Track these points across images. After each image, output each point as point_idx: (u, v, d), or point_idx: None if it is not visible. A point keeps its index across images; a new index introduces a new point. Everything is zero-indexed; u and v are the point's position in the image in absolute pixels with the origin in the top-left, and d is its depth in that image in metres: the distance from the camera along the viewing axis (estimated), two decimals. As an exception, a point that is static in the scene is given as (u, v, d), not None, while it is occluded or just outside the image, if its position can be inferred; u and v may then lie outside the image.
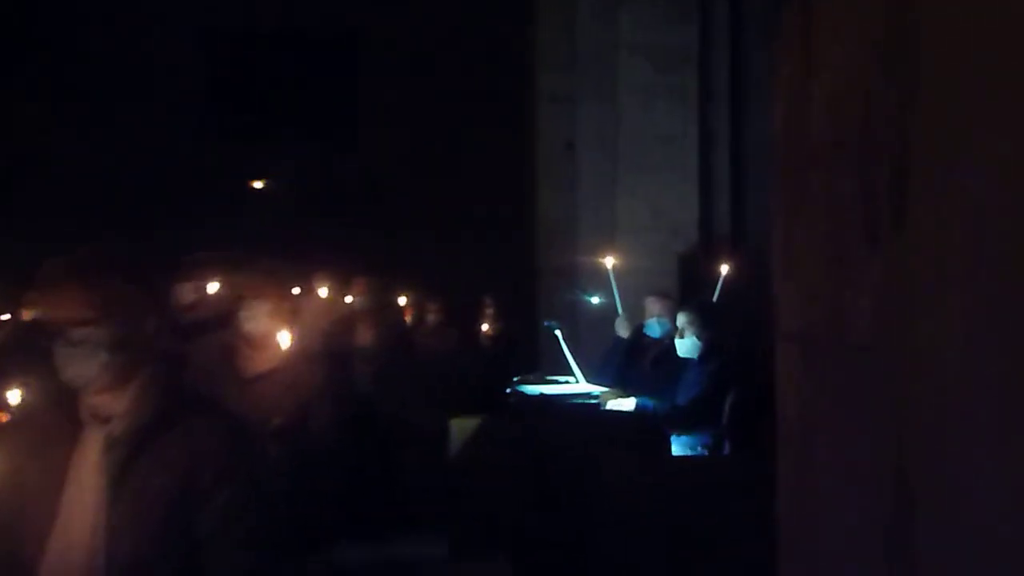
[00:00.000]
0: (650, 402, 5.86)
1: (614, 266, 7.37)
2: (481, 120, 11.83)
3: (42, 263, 2.56)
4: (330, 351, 6.45)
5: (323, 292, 7.66)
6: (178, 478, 2.45)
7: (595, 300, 7.68)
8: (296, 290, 7.28)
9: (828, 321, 1.42)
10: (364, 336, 7.29)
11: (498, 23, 11.37)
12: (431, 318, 8.92)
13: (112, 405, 2.46)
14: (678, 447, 5.68)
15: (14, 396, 2.98)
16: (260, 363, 4.46)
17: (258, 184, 12.93)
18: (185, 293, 5.32)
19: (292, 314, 5.14)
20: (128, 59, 11.77)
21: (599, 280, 7.74)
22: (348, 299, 7.72)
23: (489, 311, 9.23)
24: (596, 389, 6.20)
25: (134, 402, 2.47)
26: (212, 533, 2.47)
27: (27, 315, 5.17)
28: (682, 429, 5.71)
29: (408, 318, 8.94)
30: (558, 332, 6.98)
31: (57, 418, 2.49)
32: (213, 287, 5.36)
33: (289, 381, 4.47)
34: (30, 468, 2.41)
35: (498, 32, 11.37)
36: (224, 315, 5.06)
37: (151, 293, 2.63)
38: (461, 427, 6.30)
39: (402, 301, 8.88)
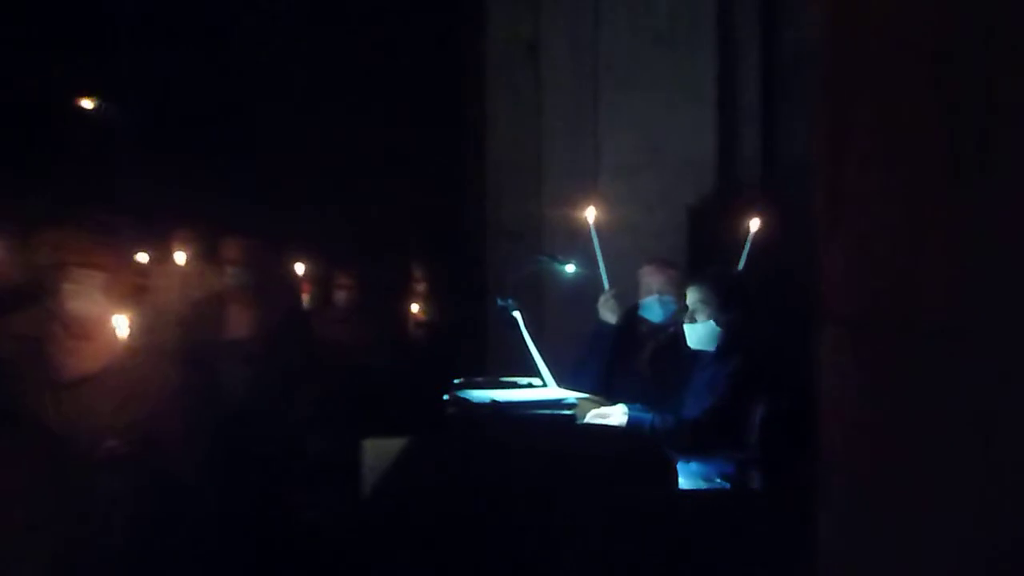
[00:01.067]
0: (647, 414, 5.84)
1: (596, 222, 7.33)
2: (405, 16, 11.74)
3: None
4: (189, 345, 6.42)
5: (180, 260, 7.58)
6: None
7: (569, 270, 7.63)
8: (142, 257, 7.22)
9: (895, 296, 1.39)
10: (239, 324, 7.23)
11: None
12: (338, 298, 8.87)
13: None
14: (687, 478, 5.67)
15: None
16: (86, 360, 4.40)
17: (86, 103, 12.78)
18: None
19: (135, 291, 5.08)
20: None
21: (575, 242, 7.69)
22: (217, 271, 7.65)
23: (420, 287, 9.19)
24: (571, 395, 6.15)
25: None
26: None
27: None
28: (693, 452, 5.70)
29: (305, 298, 8.89)
30: (517, 315, 6.93)
31: None
32: (16, 251, 5.28)
33: (128, 387, 4.42)
34: None
35: None
36: (33, 289, 4.95)
37: None
38: (378, 452, 6.26)
39: (297, 272, 8.83)
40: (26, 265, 5.37)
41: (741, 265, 6.95)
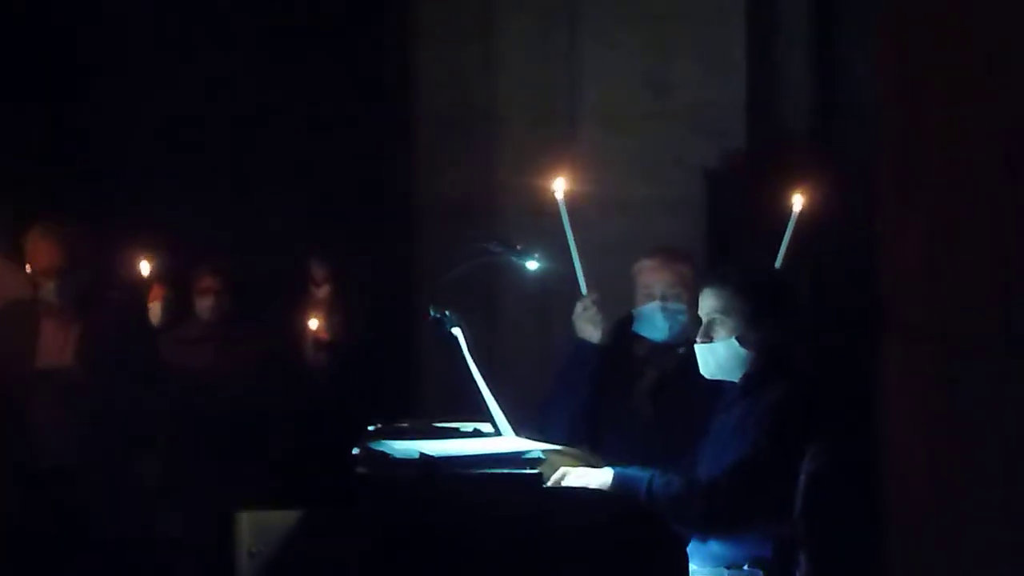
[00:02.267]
0: (645, 473, 5.83)
1: (570, 196, 7.30)
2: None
3: None
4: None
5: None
6: None
7: (532, 266, 7.61)
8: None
9: (988, 303, 1.38)
10: (55, 347, 7.21)
11: None
12: (202, 307, 8.88)
13: None
14: (704, 563, 5.67)
15: None
16: None
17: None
18: None
19: None
20: None
21: (539, 225, 7.69)
22: (21, 270, 7.62)
23: (320, 291, 9.19)
24: (536, 447, 6.14)
25: None
26: None
27: None
28: (711, 527, 5.69)
29: (154, 308, 8.87)
30: (457, 331, 6.92)
31: None
32: None
33: None
34: None
35: None
36: None
37: None
38: (259, 530, 6.26)
39: (141, 272, 8.80)
40: None
41: (780, 258, 6.90)
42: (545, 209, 7.47)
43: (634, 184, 8.47)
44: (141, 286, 8.67)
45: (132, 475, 7.34)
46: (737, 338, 5.83)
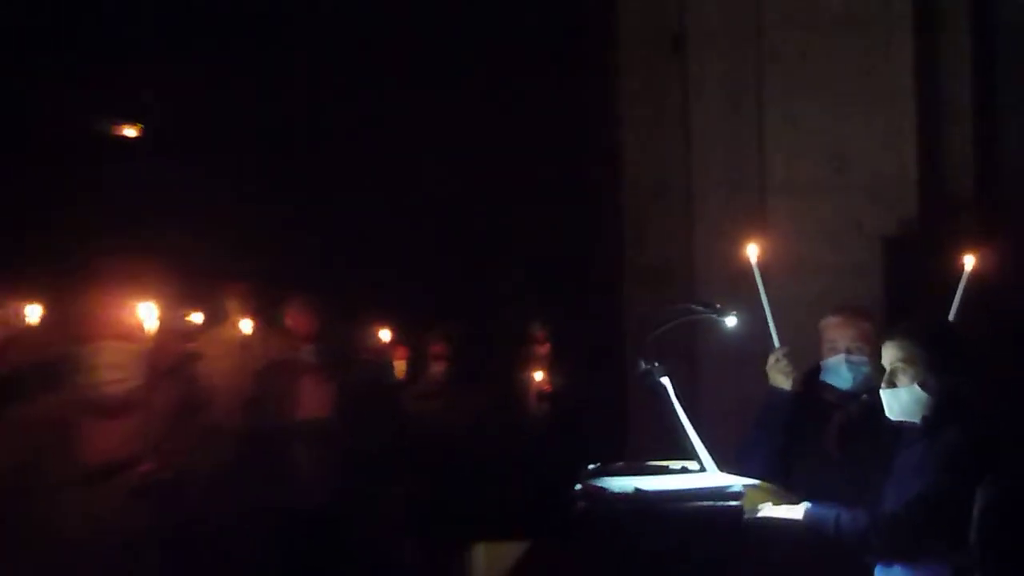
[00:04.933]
0: (834, 509, 5.79)
1: (763, 260, 7.29)
2: (517, 11, 11.82)
3: None
4: (251, 427, 6.50)
5: (243, 325, 7.69)
6: None
7: (730, 322, 7.60)
8: (192, 317, 7.34)
9: None
10: (312, 398, 7.30)
11: None
12: (435, 367, 8.92)
13: None
14: (890, 588, 5.60)
15: None
16: (117, 445, 4.50)
17: (130, 131, 13.10)
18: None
19: (180, 361, 5.16)
20: None
21: (736, 287, 7.67)
22: (284, 337, 7.75)
23: (541, 349, 9.21)
24: (737, 483, 6.12)
25: None
26: None
27: None
28: (895, 553, 5.63)
29: (397, 366, 8.95)
30: (665, 381, 6.91)
31: None
32: (32, 314, 5.40)
33: (169, 482, 4.51)
34: None
35: None
36: (47, 368, 5.08)
37: None
38: (492, 559, 6.30)
39: (383, 338, 8.89)
40: (52, 341, 5.51)
41: (954, 313, 6.83)
42: (739, 272, 7.45)
43: (819, 249, 8.40)
44: (386, 349, 8.76)
45: (377, 512, 7.40)
46: (919, 384, 5.78)
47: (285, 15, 12.75)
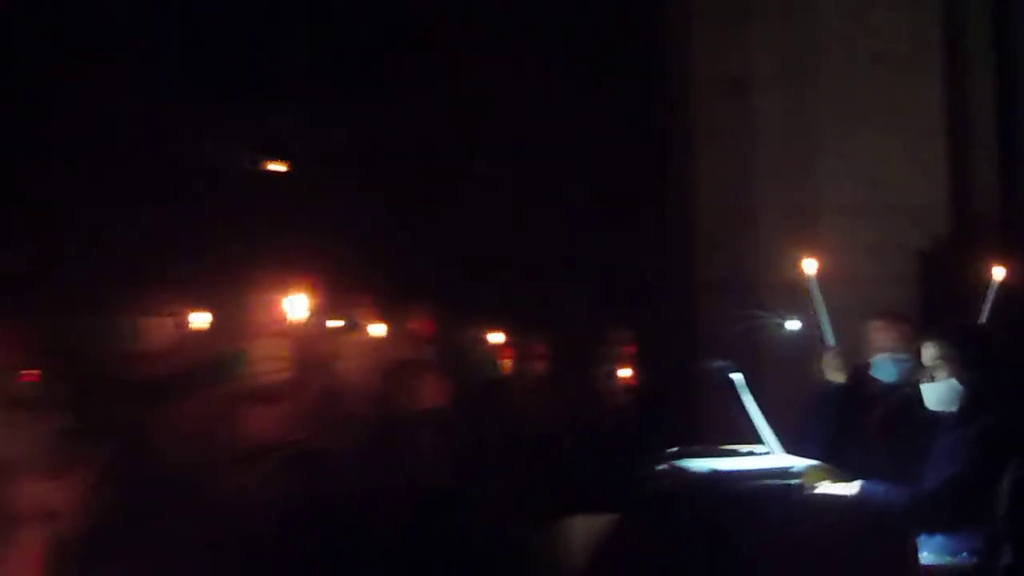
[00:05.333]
0: (882, 484, 5.75)
1: (817, 272, 7.26)
2: (601, 57, 11.80)
3: None
4: (380, 413, 6.52)
5: (374, 329, 7.73)
6: None
7: (789, 326, 7.58)
8: (333, 324, 7.39)
9: None
10: (434, 391, 7.32)
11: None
12: (536, 366, 8.91)
13: (58, 496, 2.55)
14: (931, 552, 5.55)
15: None
16: (271, 429, 4.55)
17: (274, 166, 13.19)
18: (156, 332, 5.40)
19: (324, 359, 5.20)
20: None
21: (794, 296, 7.63)
22: (410, 339, 7.77)
23: (623, 351, 9.17)
24: (797, 463, 6.10)
25: (86, 493, 2.56)
26: None
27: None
28: (935, 525, 5.58)
29: (504, 366, 8.96)
30: (736, 377, 6.90)
31: None
32: (199, 321, 5.47)
33: (316, 457, 4.55)
34: None
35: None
36: (215, 367, 5.14)
37: (106, 333, 2.74)
38: (585, 530, 6.27)
39: (496, 339, 8.92)
40: (208, 339, 5.55)
41: (984, 317, 6.80)
42: (795, 284, 7.44)
43: (864, 263, 8.38)
44: (496, 350, 8.76)
45: (487, 488, 7.40)
46: (954, 378, 5.75)
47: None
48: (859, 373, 7.00)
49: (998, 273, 6.99)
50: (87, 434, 2.69)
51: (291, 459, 4.58)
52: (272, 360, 4.63)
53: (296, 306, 5.53)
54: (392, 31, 13.03)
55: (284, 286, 5.69)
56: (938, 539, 5.62)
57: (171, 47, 12.66)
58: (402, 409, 6.58)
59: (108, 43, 12.24)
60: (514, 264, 11.03)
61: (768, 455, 6.40)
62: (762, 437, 6.51)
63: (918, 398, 5.94)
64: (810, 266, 7.23)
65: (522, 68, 12.04)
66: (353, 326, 6.82)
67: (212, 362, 4.94)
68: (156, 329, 5.44)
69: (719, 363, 6.96)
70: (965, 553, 5.58)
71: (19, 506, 2.63)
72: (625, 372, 8.96)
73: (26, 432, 2.60)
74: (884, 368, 6.84)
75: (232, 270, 6.18)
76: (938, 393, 5.81)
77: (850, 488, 5.78)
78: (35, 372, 2.78)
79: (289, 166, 13.28)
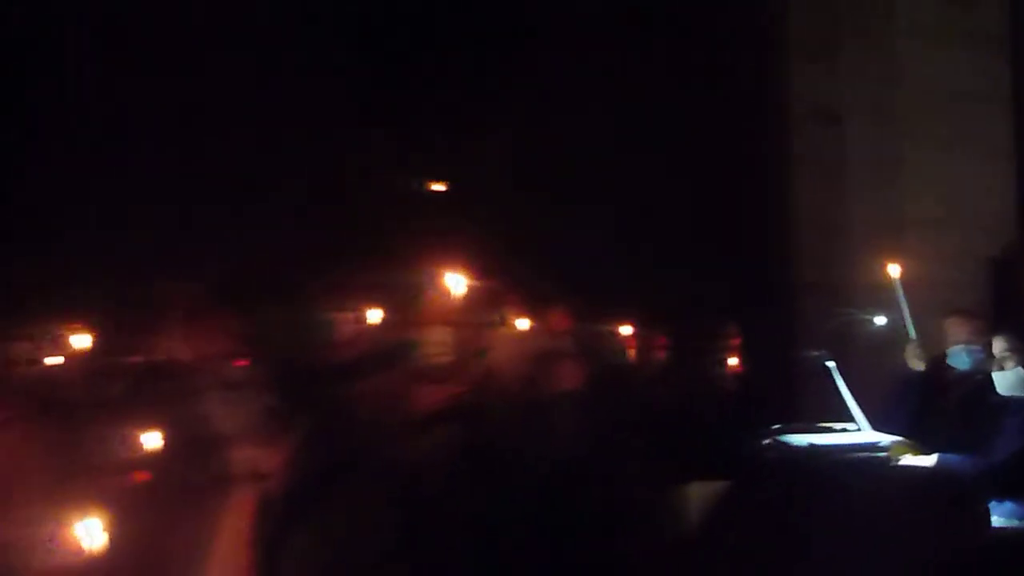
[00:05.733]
0: (957, 457, 5.71)
1: (901, 277, 7.21)
2: (710, 93, 11.74)
3: (165, 290, 2.74)
4: (526, 392, 6.58)
5: (520, 323, 7.79)
6: (342, 552, 2.56)
7: (877, 322, 7.53)
8: (488, 319, 7.47)
9: None
10: (570, 376, 7.36)
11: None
12: (656, 355, 8.90)
13: (267, 460, 2.60)
14: (1000, 517, 5.50)
15: (151, 441, 3.21)
16: (437, 401, 4.63)
17: (439, 186, 13.29)
18: (345, 325, 5.50)
19: (480, 347, 5.27)
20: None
21: (881, 296, 7.58)
22: (550, 333, 7.82)
23: (734, 343, 9.13)
24: (884, 439, 6.07)
25: (291, 457, 2.61)
26: None
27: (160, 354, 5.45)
28: (1006, 492, 5.53)
29: (630, 354, 8.97)
30: (830, 365, 6.88)
31: (199, 473, 2.64)
32: (374, 316, 5.58)
33: (471, 425, 4.62)
34: (168, 534, 2.57)
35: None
36: (392, 353, 5.26)
37: (315, 323, 2.80)
38: (701, 494, 6.24)
39: (624, 332, 8.94)
40: (385, 330, 5.65)
41: (1047, 315, 6.76)
42: (881, 286, 7.42)
43: (942, 268, 8.28)
44: (624, 341, 8.77)
45: (615, 457, 7.39)
46: (1021, 367, 5.72)
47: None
48: (937, 362, 6.94)
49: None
50: (289, 409, 2.75)
51: (454, 428, 4.64)
52: (438, 347, 4.71)
53: (457, 304, 5.65)
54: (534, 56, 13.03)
55: (447, 287, 5.78)
56: (1007, 504, 5.56)
57: (360, 88, 12.77)
58: (544, 391, 6.62)
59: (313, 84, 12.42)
60: (641, 268, 11.02)
61: (858, 432, 6.38)
62: (853, 416, 6.49)
63: (989, 384, 5.91)
64: (894, 270, 7.21)
65: (654, 97, 12.03)
66: (503, 321, 6.86)
67: (390, 349, 5.03)
68: (342, 323, 5.54)
69: (816, 353, 6.95)
70: (1031, 517, 5.54)
71: (235, 469, 2.71)
72: (734, 361, 8.91)
73: (239, 408, 2.67)
74: (959, 358, 6.78)
75: (402, 274, 6.25)
76: (1007, 380, 5.80)
77: (929, 460, 5.76)
78: (245, 359, 2.86)
79: (447, 185, 13.38)
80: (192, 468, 2.85)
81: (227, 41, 12.14)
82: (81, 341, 6.38)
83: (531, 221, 11.99)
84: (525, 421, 5.89)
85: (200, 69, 11.93)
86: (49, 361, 6.29)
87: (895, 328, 7.35)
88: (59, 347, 6.35)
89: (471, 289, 5.98)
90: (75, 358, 6.32)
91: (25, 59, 11.92)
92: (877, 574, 4.87)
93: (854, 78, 9.22)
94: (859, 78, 9.16)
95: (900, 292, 7.17)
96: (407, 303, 5.63)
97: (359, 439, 2.99)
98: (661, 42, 12.06)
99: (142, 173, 11.65)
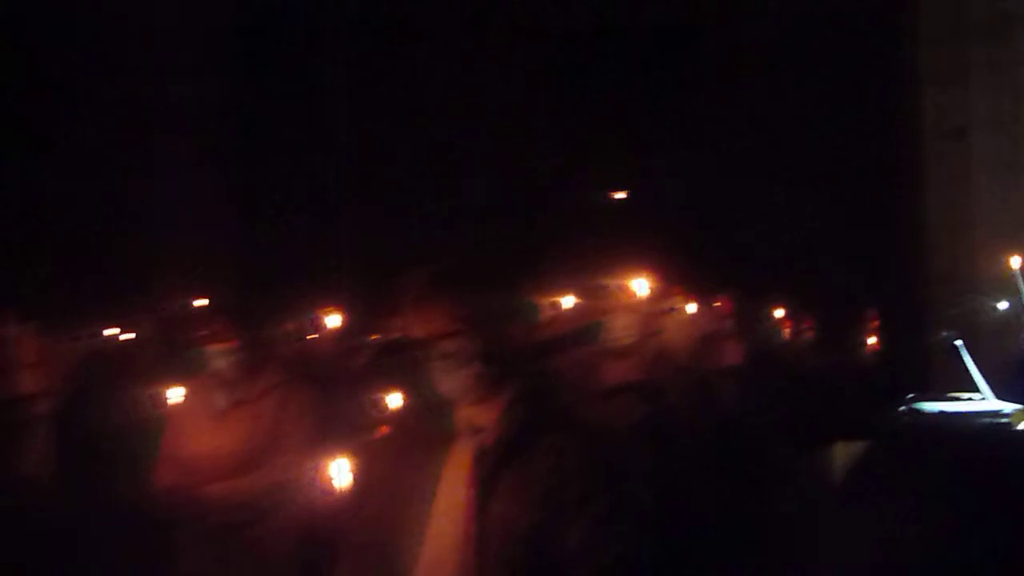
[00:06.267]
0: (1071, 423, 5.47)
1: (1021, 268, 6.97)
2: (859, 113, 11.53)
3: (400, 279, 2.83)
4: (695, 367, 6.52)
5: (689, 309, 7.74)
6: (543, 494, 2.61)
7: (1000, 307, 7.29)
8: (663, 306, 7.44)
9: None
10: (732, 354, 7.28)
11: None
12: (804, 335, 8.76)
13: (483, 416, 2.70)
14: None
15: (390, 403, 3.32)
16: (621, 374, 4.63)
17: (617, 196, 13.32)
18: (546, 310, 5.57)
19: (656, 328, 5.25)
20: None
21: (1003, 285, 7.34)
22: (714, 315, 7.74)
23: (872, 325, 8.95)
24: (1006, 407, 5.84)
25: (503, 414, 2.69)
26: (578, 553, 2.60)
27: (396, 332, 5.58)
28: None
29: (782, 334, 8.84)
30: (959, 343, 6.66)
31: (429, 428, 2.74)
32: (570, 303, 5.62)
33: (649, 393, 4.61)
34: (403, 478, 2.69)
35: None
36: (584, 333, 5.31)
37: (517, 307, 2.86)
38: (845, 453, 6.11)
39: (778, 314, 8.83)
40: (577, 314, 5.69)
41: None
42: (1002, 275, 7.19)
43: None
44: (779, 322, 8.63)
45: (767, 420, 7.26)
46: None
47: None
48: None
49: None
50: (500, 377, 2.80)
51: (634, 397, 4.63)
52: (621, 329, 4.71)
53: (637, 292, 5.64)
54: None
55: (629, 280, 5.77)
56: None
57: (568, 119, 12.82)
58: (709, 366, 6.55)
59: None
60: (795, 259, 10.86)
61: (983, 401, 6.16)
62: (979, 388, 6.27)
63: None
64: (1015, 262, 6.97)
65: (813, 115, 11.86)
66: (675, 307, 6.82)
67: (582, 330, 5.06)
68: (545, 308, 5.61)
69: (946, 334, 6.74)
70: None
71: (457, 424, 2.78)
72: (873, 340, 8.71)
73: (460, 376, 2.72)
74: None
75: (593, 269, 6.26)
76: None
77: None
78: (466, 336, 2.90)
79: (627, 195, 13.39)
80: (423, 424, 2.93)
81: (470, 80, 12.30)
82: (334, 322, 6.57)
83: (699, 224, 11.94)
84: (693, 391, 5.84)
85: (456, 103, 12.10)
86: (309, 338, 6.50)
87: (1015, 312, 7.12)
88: (317, 327, 6.56)
89: (649, 281, 5.95)
90: (329, 336, 6.52)
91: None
92: (997, 524, 4.73)
93: (980, 98, 8.95)
94: (985, 98, 8.89)
95: (1020, 281, 6.93)
96: (596, 292, 5.63)
97: (557, 402, 3.02)
98: (821, 68, 11.89)
99: (403, 185, 11.96)
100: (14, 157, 10.37)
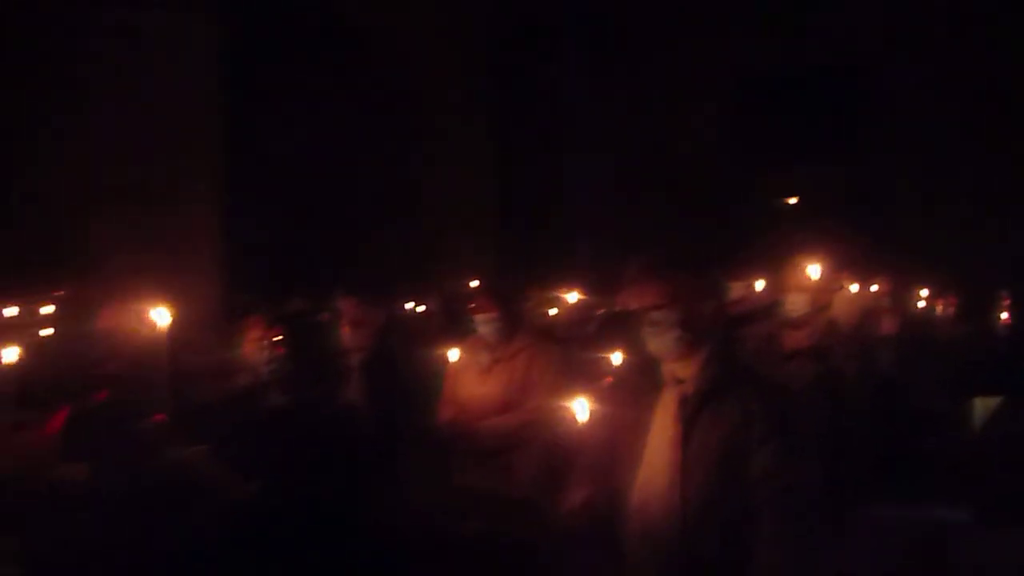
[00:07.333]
0: None
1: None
2: (990, 123, 10.75)
3: (621, 265, 2.82)
4: (858, 337, 6.22)
5: (853, 287, 7.41)
6: (732, 431, 2.61)
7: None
8: (831, 285, 7.14)
9: None
10: (888, 326, 6.94)
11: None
12: (947, 310, 8.29)
13: (684, 371, 2.67)
14: None
15: (615, 359, 3.33)
16: (798, 341, 4.49)
17: (791, 200, 12.94)
18: (736, 289, 5.48)
19: (825, 303, 5.06)
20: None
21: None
22: (874, 293, 7.41)
23: (1004, 303, 8.32)
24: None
25: (700, 369, 2.66)
26: (760, 478, 2.54)
27: (616, 305, 5.60)
28: None
29: (931, 309, 8.40)
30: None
31: (644, 380, 2.75)
32: (759, 285, 5.51)
33: (819, 356, 4.45)
34: (625, 417, 2.72)
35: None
36: (767, 308, 5.19)
37: (711, 286, 2.80)
38: (984, 406, 5.72)
39: (924, 293, 8.38)
40: (764, 294, 5.57)
41: None
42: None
43: None
44: (927, 302, 8.09)
45: (920, 379, 6.84)
46: None
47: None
48: None
49: None
50: (697, 340, 2.73)
51: (808, 361, 4.48)
52: (797, 305, 4.57)
53: (811, 275, 5.42)
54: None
55: (801, 265, 5.55)
56: None
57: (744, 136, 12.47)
58: (870, 335, 6.28)
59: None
60: (943, 252, 10.20)
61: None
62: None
63: None
64: None
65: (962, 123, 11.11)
66: (841, 286, 6.53)
67: (765, 306, 4.95)
68: (736, 288, 5.52)
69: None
70: None
71: (664, 377, 2.76)
72: (1004, 315, 8.06)
73: (664, 338, 2.70)
74: None
75: (773, 257, 6.05)
76: None
77: None
78: (664, 307, 2.82)
79: (799, 199, 12.96)
80: (637, 376, 2.94)
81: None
82: (571, 297, 6.65)
83: (863, 220, 11.43)
84: (855, 355, 5.57)
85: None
86: (552, 311, 6.60)
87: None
88: (556, 302, 6.64)
89: (820, 266, 5.71)
90: (567, 308, 6.58)
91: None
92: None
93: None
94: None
95: None
96: (777, 275, 5.47)
97: (744, 362, 2.94)
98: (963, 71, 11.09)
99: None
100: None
